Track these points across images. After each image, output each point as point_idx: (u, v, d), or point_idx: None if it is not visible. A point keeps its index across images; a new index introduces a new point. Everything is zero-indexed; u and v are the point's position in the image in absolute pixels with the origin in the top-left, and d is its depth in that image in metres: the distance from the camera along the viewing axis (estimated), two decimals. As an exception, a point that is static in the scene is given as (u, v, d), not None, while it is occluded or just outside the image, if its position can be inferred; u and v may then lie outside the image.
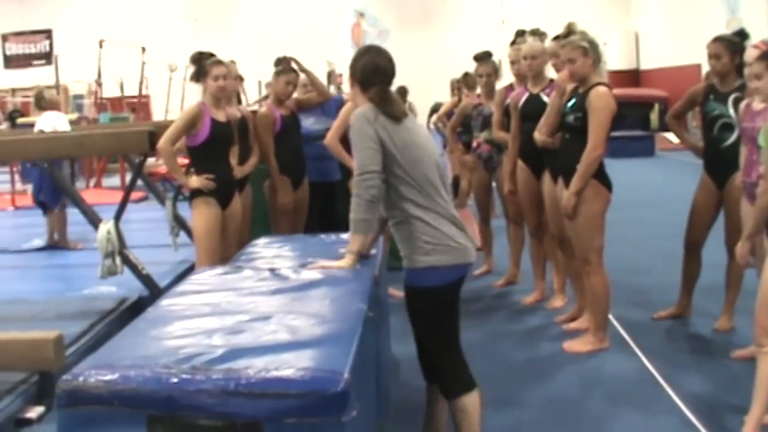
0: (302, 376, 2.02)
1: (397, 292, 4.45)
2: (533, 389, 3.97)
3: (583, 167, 4.18)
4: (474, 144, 6.19)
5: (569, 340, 4.58)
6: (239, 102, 5.84)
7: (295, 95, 5.54)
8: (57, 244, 7.17)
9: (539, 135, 4.66)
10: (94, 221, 5.00)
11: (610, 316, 4.62)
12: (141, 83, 14.61)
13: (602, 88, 4.19)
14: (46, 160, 5.29)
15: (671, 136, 14.06)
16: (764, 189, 3.30)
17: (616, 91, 4.47)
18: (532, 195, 5.17)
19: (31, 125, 8.29)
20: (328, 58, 16.27)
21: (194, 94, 5.37)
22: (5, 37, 24.77)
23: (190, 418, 2.01)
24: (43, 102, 7.48)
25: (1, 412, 3.51)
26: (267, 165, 5.30)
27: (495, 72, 6.02)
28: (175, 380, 2.03)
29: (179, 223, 5.71)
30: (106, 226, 4.87)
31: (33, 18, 24.13)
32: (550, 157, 4.63)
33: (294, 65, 5.41)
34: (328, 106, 5.81)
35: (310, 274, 3.03)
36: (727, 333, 4.61)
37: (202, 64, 4.70)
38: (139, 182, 5.66)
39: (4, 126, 14.30)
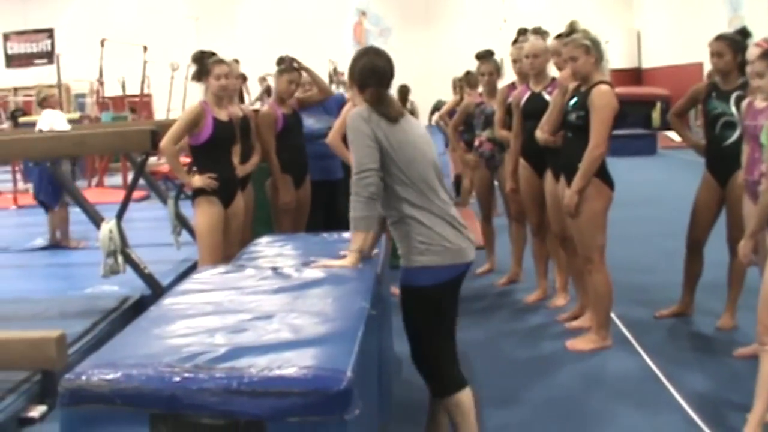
0: (305, 375, 2.02)
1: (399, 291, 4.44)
2: (535, 388, 3.97)
3: (585, 165, 4.18)
4: (476, 143, 6.19)
5: (571, 338, 4.58)
6: (242, 101, 5.84)
7: (296, 94, 5.55)
8: (59, 243, 7.17)
9: (541, 133, 4.66)
10: (96, 220, 5.00)
11: (613, 315, 4.62)
12: (143, 82, 14.61)
13: (604, 87, 4.19)
14: (48, 159, 5.28)
15: (673, 135, 14.12)
16: (766, 187, 3.30)
17: (618, 89, 4.47)
18: (534, 193, 5.17)
19: (33, 124, 8.29)
20: (330, 57, 16.27)
21: (196, 93, 5.37)
22: (7, 37, 24.83)
23: (193, 416, 2.01)
24: (41, 100, 7.50)
25: (3, 412, 3.51)
26: (269, 164, 5.31)
27: (497, 70, 6.03)
28: (177, 379, 2.03)
29: (181, 222, 5.72)
30: (108, 225, 4.88)
31: (35, 17, 24.18)
32: (552, 155, 4.62)
33: (294, 64, 5.42)
34: (329, 104, 5.81)
35: (313, 273, 3.03)
36: (729, 331, 4.61)
37: (204, 63, 4.70)
38: (141, 181, 5.65)
39: (7, 125, 14.34)
